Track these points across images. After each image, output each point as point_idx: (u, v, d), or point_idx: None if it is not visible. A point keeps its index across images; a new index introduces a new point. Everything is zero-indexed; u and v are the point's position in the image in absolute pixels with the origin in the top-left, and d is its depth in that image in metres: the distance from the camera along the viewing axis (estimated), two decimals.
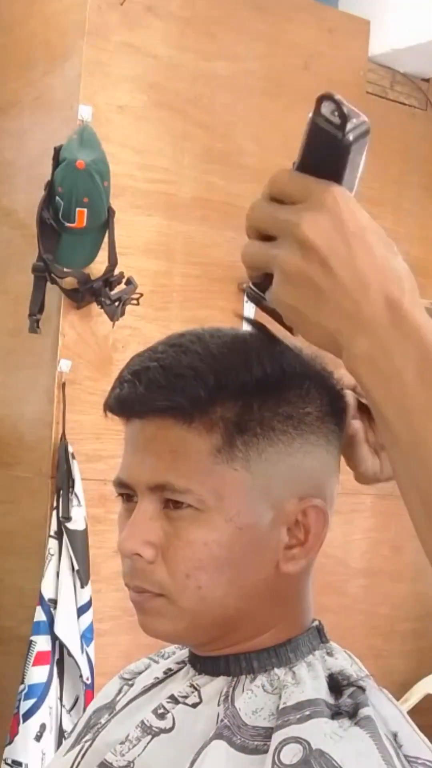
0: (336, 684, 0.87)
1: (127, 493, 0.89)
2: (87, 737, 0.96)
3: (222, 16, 2.87)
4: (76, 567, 2.51)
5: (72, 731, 1.03)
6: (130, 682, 1.01)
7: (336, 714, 0.83)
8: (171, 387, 0.83)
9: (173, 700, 0.90)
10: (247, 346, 0.86)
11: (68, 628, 2.49)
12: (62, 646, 2.49)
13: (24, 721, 2.45)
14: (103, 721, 0.97)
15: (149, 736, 0.88)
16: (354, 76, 3.15)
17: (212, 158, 2.87)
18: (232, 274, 2.90)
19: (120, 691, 1.01)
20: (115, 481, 0.89)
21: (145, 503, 0.86)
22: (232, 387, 0.84)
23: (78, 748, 0.95)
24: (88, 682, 2.51)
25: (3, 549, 2.79)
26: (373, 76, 3.20)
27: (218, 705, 0.87)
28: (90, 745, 0.94)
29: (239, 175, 2.91)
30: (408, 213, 3.29)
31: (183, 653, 0.98)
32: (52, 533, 2.53)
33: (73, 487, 2.55)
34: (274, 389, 0.86)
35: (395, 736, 0.84)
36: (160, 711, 0.89)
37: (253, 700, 0.86)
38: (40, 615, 2.49)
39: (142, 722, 0.90)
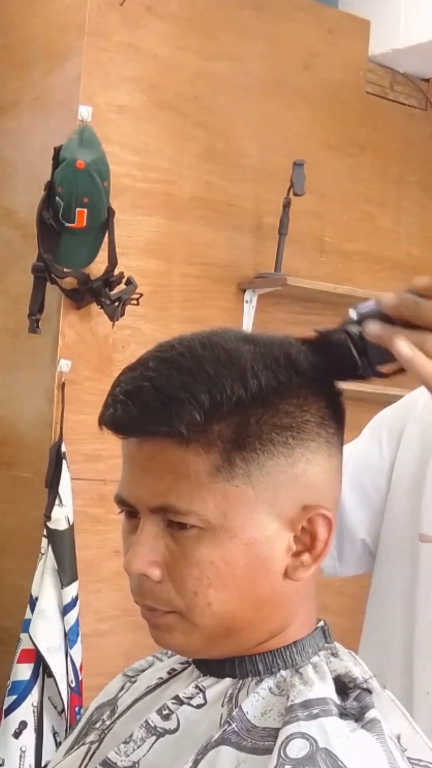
0: (342, 686, 0.87)
1: (129, 510, 0.88)
2: (92, 738, 0.96)
3: (222, 16, 2.87)
4: (56, 567, 2.49)
5: (74, 727, 1.03)
6: (133, 679, 1.01)
7: (343, 714, 0.83)
8: (166, 410, 0.82)
9: (178, 701, 0.90)
10: (241, 357, 0.84)
11: (47, 628, 2.47)
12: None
13: (5, 716, 2.44)
14: (105, 718, 0.97)
15: (154, 737, 0.88)
16: (354, 76, 3.15)
17: (212, 158, 2.87)
18: (232, 273, 2.90)
19: (122, 687, 1.01)
20: (116, 499, 0.89)
21: (148, 523, 0.86)
22: (228, 404, 0.83)
23: (84, 749, 0.95)
24: (73, 685, 2.48)
25: (2, 549, 2.79)
26: (373, 76, 3.20)
27: (222, 706, 0.87)
28: (97, 747, 0.94)
29: (239, 175, 2.91)
30: (408, 213, 3.29)
31: None
32: (45, 532, 2.53)
33: (57, 486, 2.54)
34: (270, 401, 0.84)
35: (398, 738, 0.85)
36: (165, 712, 0.89)
37: (261, 702, 0.86)
38: (28, 614, 2.49)
39: (147, 722, 0.89)
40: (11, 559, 2.76)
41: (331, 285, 2.93)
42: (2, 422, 2.83)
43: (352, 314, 0.90)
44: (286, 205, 2.85)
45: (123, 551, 0.89)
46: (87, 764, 0.93)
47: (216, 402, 0.82)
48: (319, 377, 0.88)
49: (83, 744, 0.96)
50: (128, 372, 0.86)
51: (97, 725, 0.97)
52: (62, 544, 2.51)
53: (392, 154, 3.22)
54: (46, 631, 2.47)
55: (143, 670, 1.02)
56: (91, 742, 0.95)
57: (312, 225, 3.04)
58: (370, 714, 0.83)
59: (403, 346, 0.86)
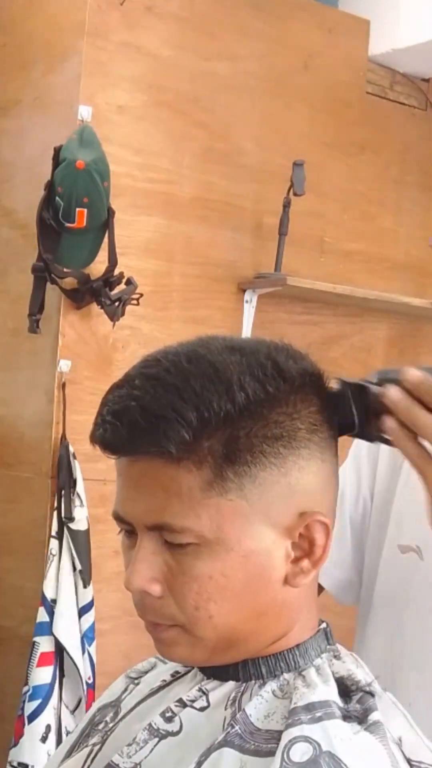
0: (345, 689, 0.87)
1: (127, 529, 0.89)
2: (95, 740, 0.96)
3: (222, 16, 2.87)
4: (79, 567, 2.51)
5: (76, 727, 1.03)
6: (136, 681, 1.01)
7: (346, 717, 0.83)
8: (154, 430, 0.81)
9: (181, 703, 0.90)
10: (227, 370, 0.83)
11: (68, 628, 2.49)
12: (62, 646, 2.49)
13: (29, 722, 2.44)
14: (108, 720, 0.97)
15: (156, 739, 0.88)
16: (354, 76, 3.15)
17: (212, 158, 2.87)
18: (232, 274, 2.90)
19: (126, 689, 1.01)
20: (114, 515, 0.89)
21: (146, 539, 0.86)
22: (216, 420, 0.82)
23: (86, 750, 0.95)
24: (90, 681, 2.51)
25: (3, 549, 2.79)
26: (373, 76, 3.20)
27: (225, 709, 0.88)
28: (100, 749, 0.94)
29: (239, 175, 2.91)
30: (408, 213, 3.29)
31: None
32: (53, 533, 2.54)
33: (74, 487, 2.55)
34: (259, 413, 0.83)
35: (400, 740, 0.85)
36: (168, 714, 0.90)
37: (264, 705, 0.86)
38: (42, 616, 2.49)
39: (150, 725, 0.90)
40: (11, 559, 2.76)
41: (331, 285, 2.93)
42: (2, 422, 2.83)
43: (373, 377, 0.89)
44: (286, 205, 2.85)
45: (124, 566, 0.89)
46: (89, 766, 0.93)
47: (204, 419, 0.81)
48: (308, 382, 0.87)
49: (86, 746, 0.96)
50: (115, 390, 0.85)
51: (100, 726, 0.97)
52: (83, 544, 2.54)
53: (392, 154, 3.22)
54: (68, 632, 2.49)
55: (146, 672, 1.02)
56: (94, 744, 0.95)
57: (312, 225, 3.04)
58: (373, 716, 0.83)
59: (391, 422, 0.87)
